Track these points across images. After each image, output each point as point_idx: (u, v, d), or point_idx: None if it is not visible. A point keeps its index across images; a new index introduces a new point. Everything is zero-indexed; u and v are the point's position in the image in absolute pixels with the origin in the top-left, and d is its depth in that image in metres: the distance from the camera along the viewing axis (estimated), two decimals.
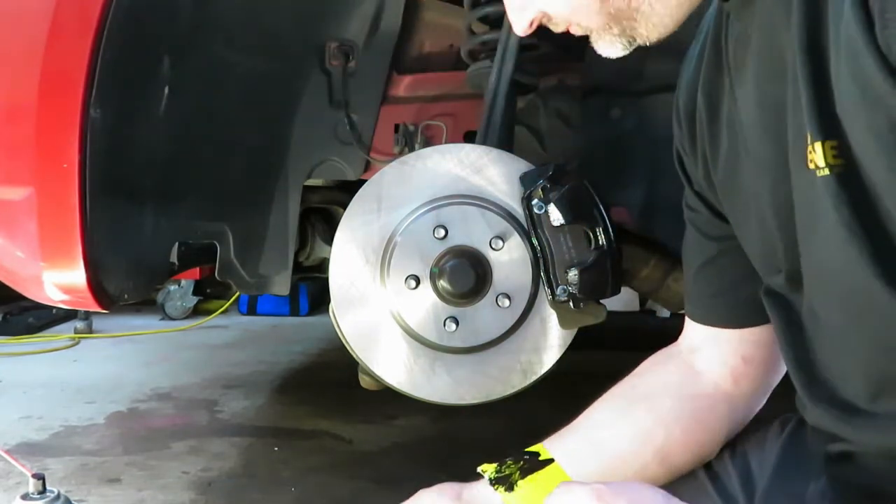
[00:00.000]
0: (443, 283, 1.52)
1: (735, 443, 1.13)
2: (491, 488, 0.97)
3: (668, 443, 1.04)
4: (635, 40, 0.89)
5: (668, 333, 1.35)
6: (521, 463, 0.96)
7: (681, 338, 1.17)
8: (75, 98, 1.44)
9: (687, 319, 1.15)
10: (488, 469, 0.97)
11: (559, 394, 3.03)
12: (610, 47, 0.90)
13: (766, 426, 1.14)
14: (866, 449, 0.86)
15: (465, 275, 1.52)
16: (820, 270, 0.84)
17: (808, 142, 0.76)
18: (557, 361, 1.58)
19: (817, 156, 0.75)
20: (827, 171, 0.74)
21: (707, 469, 1.11)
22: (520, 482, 0.94)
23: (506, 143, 1.72)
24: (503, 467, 0.96)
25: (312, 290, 5.16)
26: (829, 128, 0.74)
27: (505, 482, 0.95)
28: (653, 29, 0.87)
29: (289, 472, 2.49)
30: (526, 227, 1.51)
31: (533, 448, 0.99)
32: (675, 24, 0.87)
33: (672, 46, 1.75)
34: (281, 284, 2.08)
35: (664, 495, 0.83)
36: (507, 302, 1.53)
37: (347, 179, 2.11)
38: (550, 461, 0.96)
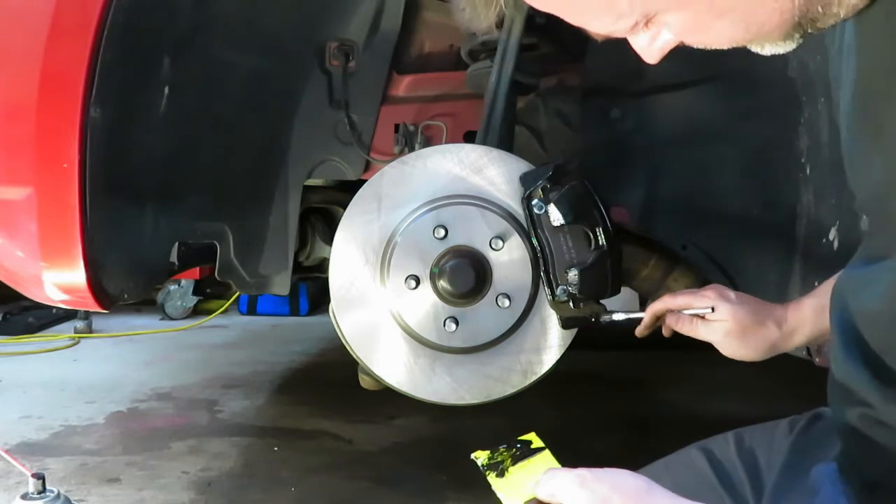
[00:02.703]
0: (443, 283, 1.52)
1: (742, 438, 1.14)
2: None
3: None
4: (811, 31, 0.80)
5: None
6: (514, 450, 0.99)
7: None
8: (75, 98, 1.44)
9: None
10: (481, 455, 0.99)
11: (559, 394, 3.04)
12: (780, 48, 0.82)
13: (774, 425, 1.15)
14: (887, 418, 0.84)
15: (465, 275, 1.52)
16: None
17: None
18: (557, 361, 1.58)
19: None
20: None
21: (711, 461, 1.12)
22: (511, 468, 0.96)
23: (506, 143, 1.72)
24: (496, 454, 0.99)
25: (312, 290, 5.16)
26: None
27: (496, 468, 0.97)
28: (850, 8, 0.79)
29: (289, 472, 2.49)
30: (526, 227, 1.51)
31: (525, 436, 1.01)
32: None
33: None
34: (281, 284, 2.08)
35: (646, 481, 0.84)
36: (507, 302, 1.53)
37: (347, 179, 2.11)
38: (542, 449, 0.98)
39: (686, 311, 1.27)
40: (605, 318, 1.48)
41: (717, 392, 3.26)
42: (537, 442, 0.99)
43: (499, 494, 0.95)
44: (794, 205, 1.60)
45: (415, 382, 1.58)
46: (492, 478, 0.96)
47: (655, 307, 1.34)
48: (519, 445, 0.99)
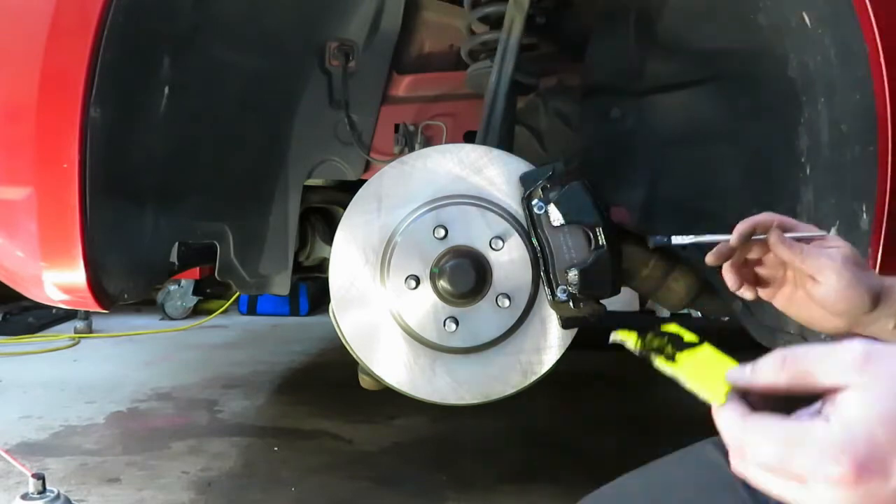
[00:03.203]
0: (443, 284, 1.52)
1: None
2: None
3: None
4: None
5: None
6: (667, 339, 0.77)
7: None
8: (75, 98, 1.44)
9: None
10: (630, 337, 0.80)
11: (559, 394, 3.04)
12: None
13: None
14: None
15: (465, 275, 1.52)
16: None
17: None
18: (557, 361, 1.58)
19: None
20: None
21: (726, 455, 1.10)
22: (678, 354, 0.76)
23: (506, 143, 1.72)
24: (647, 339, 0.78)
25: (312, 290, 5.16)
26: None
27: (661, 352, 0.76)
28: None
29: (289, 472, 2.49)
30: (526, 227, 1.51)
31: (668, 327, 0.79)
32: None
33: (672, 46, 1.76)
34: (281, 284, 2.08)
35: None
36: (507, 302, 1.53)
37: (347, 179, 2.11)
38: (701, 342, 0.76)
39: (793, 235, 1.05)
40: (659, 239, 1.18)
41: None
42: (689, 336, 0.78)
43: (682, 379, 0.74)
44: (794, 205, 1.60)
45: (415, 382, 1.58)
46: (661, 361, 0.76)
47: (751, 221, 1.07)
48: (670, 335, 0.78)
